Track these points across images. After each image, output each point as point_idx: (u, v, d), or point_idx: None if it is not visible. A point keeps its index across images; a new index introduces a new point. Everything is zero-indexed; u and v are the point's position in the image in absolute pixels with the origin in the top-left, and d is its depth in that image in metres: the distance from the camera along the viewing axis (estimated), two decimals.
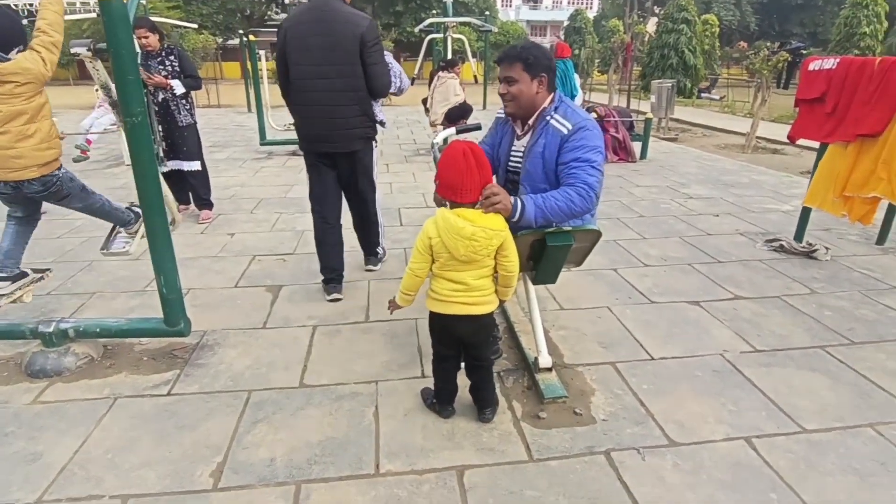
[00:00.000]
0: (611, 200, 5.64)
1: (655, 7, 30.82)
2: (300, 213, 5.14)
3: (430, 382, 2.45)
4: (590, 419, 2.22)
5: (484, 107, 14.98)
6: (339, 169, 3.24)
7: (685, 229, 4.69)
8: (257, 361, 2.63)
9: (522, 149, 2.36)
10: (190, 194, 4.96)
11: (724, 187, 6.27)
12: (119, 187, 5.92)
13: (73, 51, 2.35)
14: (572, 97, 6.96)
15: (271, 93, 9.55)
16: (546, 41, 37.72)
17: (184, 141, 4.65)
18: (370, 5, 27.55)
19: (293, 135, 6.21)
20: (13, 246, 2.89)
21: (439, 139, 3.36)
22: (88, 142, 7.33)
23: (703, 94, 18.81)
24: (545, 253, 2.11)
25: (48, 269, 3.09)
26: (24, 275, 2.92)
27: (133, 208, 3.24)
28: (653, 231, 4.63)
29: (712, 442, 2.10)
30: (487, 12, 26.55)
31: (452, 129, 3.45)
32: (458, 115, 7.82)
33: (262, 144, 8.36)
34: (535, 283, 2.35)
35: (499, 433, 2.14)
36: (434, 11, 24.22)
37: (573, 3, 44.22)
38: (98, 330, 2.56)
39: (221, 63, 23.78)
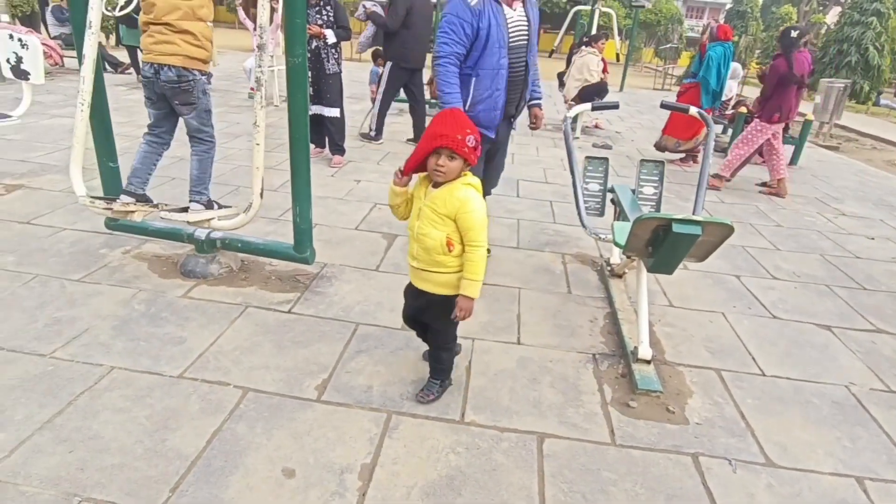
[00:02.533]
0: (745, 204, 5.20)
1: None
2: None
3: (525, 350, 2.51)
4: (682, 419, 2.15)
5: (621, 88, 14.25)
6: (411, 77, 5.98)
7: (829, 248, 4.21)
8: (367, 299, 2.84)
9: (524, 22, 2.21)
10: (326, 139, 5.32)
11: (887, 209, 5.50)
12: (267, 125, 6.48)
13: None
14: (715, 88, 6.04)
15: None
16: (701, 24, 34.59)
17: (328, 88, 4.97)
18: None
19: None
20: (140, 165, 3.22)
21: (572, 113, 3.31)
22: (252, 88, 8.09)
23: (882, 102, 16.34)
24: (667, 240, 2.03)
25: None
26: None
27: (214, 201, 3.37)
28: (789, 244, 4.22)
29: (817, 473, 1.95)
30: None
31: (587, 105, 3.38)
32: (592, 93, 7.52)
33: (394, 101, 8.65)
34: (650, 270, 2.28)
35: (585, 412, 2.15)
36: None
37: None
38: (240, 245, 2.91)
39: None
